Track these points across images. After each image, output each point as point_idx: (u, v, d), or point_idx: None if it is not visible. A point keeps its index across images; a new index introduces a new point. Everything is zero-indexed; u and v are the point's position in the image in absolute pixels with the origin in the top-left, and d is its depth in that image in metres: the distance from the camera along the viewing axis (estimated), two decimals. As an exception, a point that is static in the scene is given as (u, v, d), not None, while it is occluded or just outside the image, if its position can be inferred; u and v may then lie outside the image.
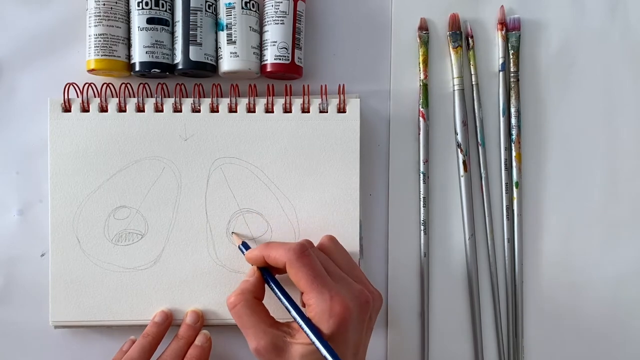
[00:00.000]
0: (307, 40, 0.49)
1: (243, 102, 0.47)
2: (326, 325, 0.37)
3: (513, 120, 0.50)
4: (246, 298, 0.40)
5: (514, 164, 0.50)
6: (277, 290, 0.41)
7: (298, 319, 0.39)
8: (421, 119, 0.49)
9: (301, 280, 0.39)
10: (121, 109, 0.46)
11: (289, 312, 0.40)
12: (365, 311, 0.40)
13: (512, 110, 0.50)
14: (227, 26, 0.46)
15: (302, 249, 0.39)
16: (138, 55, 0.46)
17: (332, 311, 0.37)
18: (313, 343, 0.37)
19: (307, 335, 0.38)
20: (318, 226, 0.47)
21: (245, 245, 0.45)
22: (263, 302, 0.42)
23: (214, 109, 0.47)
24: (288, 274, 0.40)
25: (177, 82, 0.47)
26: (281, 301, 0.41)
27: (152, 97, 0.47)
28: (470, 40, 0.50)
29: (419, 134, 0.49)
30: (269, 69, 0.47)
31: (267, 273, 0.42)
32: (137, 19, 0.46)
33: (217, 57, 0.47)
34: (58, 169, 0.46)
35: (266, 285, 0.42)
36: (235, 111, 0.47)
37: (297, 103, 0.47)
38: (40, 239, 0.48)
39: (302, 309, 0.40)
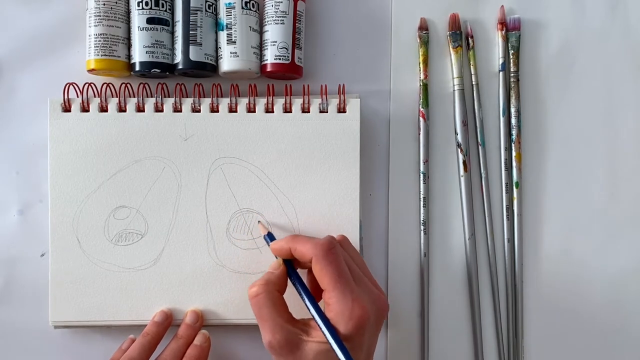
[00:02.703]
0: (307, 40, 0.49)
1: (243, 102, 0.47)
2: (344, 327, 0.37)
3: (513, 120, 0.50)
4: (269, 290, 0.40)
5: (514, 164, 0.50)
6: (298, 286, 0.41)
7: (316, 316, 0.39)
8: (421, 119, 0.49)
9: (325, 278, 0.38)
10: (121, 109, 0.46)
11: (308, 309, 0.39)
12: (382, 317, 0.40)
13: (512, 110, 0.50)
14: (227, 26, 0.46)
15: (330, 246, 0.39)
16: (138, 55, 0.46)
17: (352, 314, 0.37)
18: (329, 343, 0.37)
19: (324, 334, 0.38)
20: (318, 226, 0.47)
21: (271, 236, 0.45)
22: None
23: (214, 109, 0.47)
24: (312, 269, 0.39)
25: (177, 82, 0.47)
26: (301, 297, 0.40)
27: (152, 97, 0.47)
28: (470, 40, 0.49)
29: (419, 134, 0.49)
30: (269, 69, 0.47)
31: (291, 266, 0.42)
32: (137, 18, 0.46)
33: (217, 57, 0.47)
34: (58, 169, 0.46)
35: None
36: (236, 111, 0.47)
37: (297, 103, 0.47)
38: (40, 239, 0.47)
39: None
